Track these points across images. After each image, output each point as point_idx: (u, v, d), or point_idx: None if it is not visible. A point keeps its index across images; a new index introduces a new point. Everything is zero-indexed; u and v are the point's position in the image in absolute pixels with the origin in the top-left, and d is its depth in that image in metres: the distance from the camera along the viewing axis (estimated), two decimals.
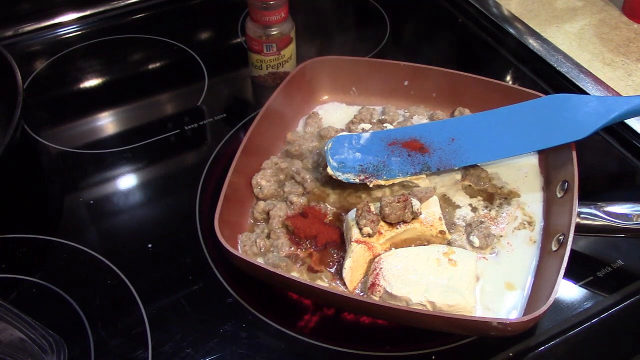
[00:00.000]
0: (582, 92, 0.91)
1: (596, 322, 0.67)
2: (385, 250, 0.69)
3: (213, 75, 0.97)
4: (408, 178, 0.76)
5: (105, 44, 1.04)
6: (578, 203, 0.67)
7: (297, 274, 0.69)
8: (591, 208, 0.68)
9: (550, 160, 0.79)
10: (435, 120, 0.85)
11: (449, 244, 0.71)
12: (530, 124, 0.77)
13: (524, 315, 0.64)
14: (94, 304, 0.68)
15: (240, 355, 0.64)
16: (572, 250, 0.63)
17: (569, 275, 0.63)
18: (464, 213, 0.75)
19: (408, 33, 1.07)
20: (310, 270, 0.69)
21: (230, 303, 0.68)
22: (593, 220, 0.67)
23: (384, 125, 0.84)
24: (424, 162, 0.77)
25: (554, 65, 0.96)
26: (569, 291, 0.69)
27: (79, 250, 0.73)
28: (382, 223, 0.69)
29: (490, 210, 0.75)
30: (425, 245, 0.70)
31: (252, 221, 0.75)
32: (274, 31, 0.87)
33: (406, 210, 0.68)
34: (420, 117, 0.86)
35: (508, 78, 0.99)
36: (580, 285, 0.70)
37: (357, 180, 0.75)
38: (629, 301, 0.68)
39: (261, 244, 0.71)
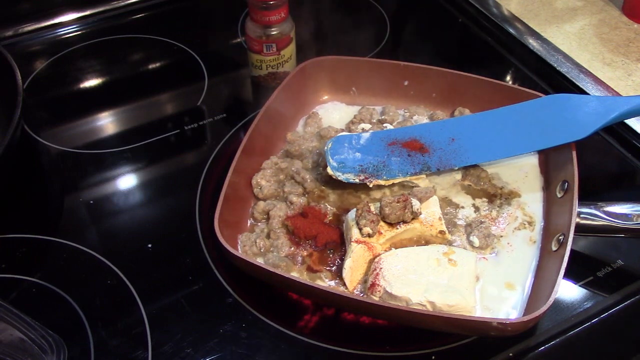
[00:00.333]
0: (582, 92, 0.91)
1: (596, 322, 0.67)
2: (385, 250, 0.68)
3: (213, 75, 0.97)
4: (408, 178, 0.76)
5: (105, 44, 1.04)
6: (578, 203, 0.67)
7: (297, 274, 0.69)
8: (591, 208, 0.68)
9: (550, 160, 0.79)
10: (435, 120, 0.85)
11: (449, 244, 0.71)
12: (530, 124, 0.77)
13: (524, 315, 0.64)
14: (94, 304, 0.68)
15: (240, 355, 0.64)
16: (572, 250, 0.63)
17: (569, 275, 0.63)
18: (465, 213, 0.75)
19: (408, 33, 1.07)
20: (310, 270, 0.69)
21: (230, 303, 0.68)
22: (593, 220, 0.67)
23: (384, 125, 0.84)
24: (424, 162, 0.77)
25: (554, 65, 0.96)
26: (569, 291, 0.69)
27: (79, 250, 0.73)
28: (382, 223, 0.69)
29: (491, 211, 0.75)
30: (425, 245, 0.70)
31: (252, 221, 0.75)
32: (274, 31, 0.87)
33: (406, 210, 0.68)
34: (420, 117, 0.86)
35: (508, 78, 0.99)
36: (580, 285, 0.70)
37: (357, 180, 0.75)
38: (629, 301, 0.68)
39: (261, 244, 0.71)
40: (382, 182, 0.75)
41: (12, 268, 0.72)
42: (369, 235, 0.68)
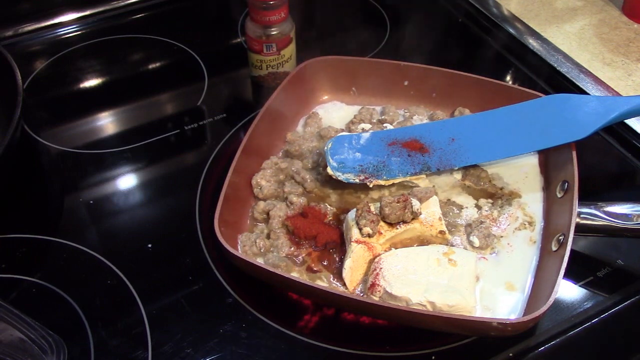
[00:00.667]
0: (582, 92, 0.91)
1: (596, 322, 0.67)
2: (385, 251, 0.68)
3: (213, 75, 0.97)
4: (408, 178, 0.76)
5: (105, 44, 1.04)
6: (578, 203, 0.67)
7: (297, 274, 0.69)
8: (591, 208, 0.68)
9: (550, 160, 0.79)
10: (435, 120, 0.85)
11: (449, 244, 0.71)
12: (530, 124, 0.77)
13: (524, 315, 0.64)
14: (94, 304, 0.68)
15: (240, 355, 0.64)
16: (572, 250, 0.63)
17: (569, 275, 0.63)
18: (466, 213, 0.74)
19: (408, 33, 1.07)
20: (310, 270, 0.69)
21: (230, 303, 0.68)
22: (593, 220, 0.67)
23: (384, 125, 0.84)
24: (424, 162, 0.77)
25: (554, 65, 0.96)
26: (569, 291, 0.69)
27: (79, 250, 0.73)
28: (382, 223, 0.69)
29: (492, 211, 0.74)
30: (425, 245, 0.70)
31: (252, 221, 0.75)
32: (274, 31, 0.87)
33: (406, 211, 0.68)
34: (420, 117, 0.86)
35: (508, 78, 0.99)
36: (580, 285, 0.70)
37: (357, 181, 0.75)
38: (629, 301, 0.68)
39: (261, 244, 0.71)
40: (382, 182, 0.75)
41: (12, 268, 0.72)
42: (369, 235, 0.68)
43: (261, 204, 0.75)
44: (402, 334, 0.66)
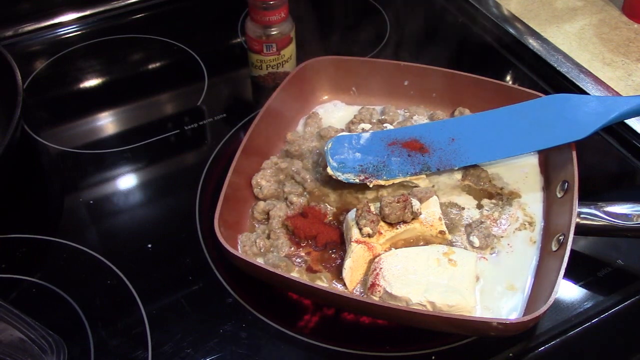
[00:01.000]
0: (582, 92, 0.91)
1: (596, 322, 0.67)
2: (385, 251, 0.68)
3: (213, 75, 0.97)
4: (408, 178, 0.76)
5: (105, 44, 1.04)
6: (578, 203, 0.67)
7: (297, 274, 0.69)
8: (591, 208, 0.68)
9: (550, 160, 0.79)
10: (435, 120, 0.85)
11: (449, 244, 0.71)
12: (530, 124, 0.77)
13: (524, 315, 0.64)
14: (94, 304, 0.68)
15: (240, 355, 0.64)
16: (572, 251, 0.63)
17: (569, 275, 0.63)
18: (466, 214, 0.74)
19: (408, 33, 1.07)
20: (310, 270, 0.69)
21: (230, 303, 0.68)
22: (593, 220, 0.67)
23: (384, 125, 0.84)
24: (424, 162, 0.77)
25: (554, 65, 0.96)
26: (569, 291, 0.69)
27: (79, 250, 0.73)
28: (382, 223, 0.69)
29: (493, 212, 0.74)
30: (425, 245, 0.70)
31: (252, 221, 0.75)
32: (274, 31, 0.86)
33: (406, 211, 0.68)
34: (420, 117, 0.86)
35: (508, 78, 0.99)
36: (580, 285, 0.70)
37: (357, 181, 0.75)
38: (629, 301, 0.68)
39: (261, 244, 0.71)
40: (382, 182, 0.75)
41: (12, 268, 0.72)
42: (369, 235, 0.68)
43: (261, 204, 0.75)
44: (402, 334, 0.66)
